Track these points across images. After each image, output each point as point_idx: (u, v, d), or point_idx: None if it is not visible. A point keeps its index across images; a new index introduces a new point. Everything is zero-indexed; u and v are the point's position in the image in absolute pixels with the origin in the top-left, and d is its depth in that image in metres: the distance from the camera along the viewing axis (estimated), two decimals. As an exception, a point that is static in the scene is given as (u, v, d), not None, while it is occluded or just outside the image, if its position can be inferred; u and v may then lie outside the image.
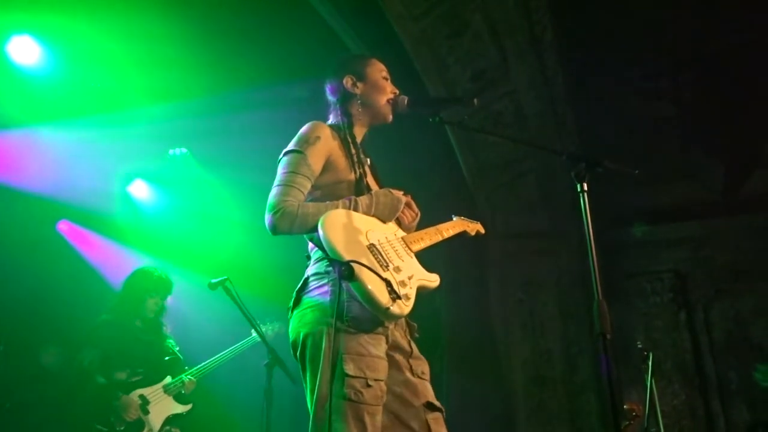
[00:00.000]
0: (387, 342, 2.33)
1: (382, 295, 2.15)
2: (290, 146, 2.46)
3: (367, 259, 2.21)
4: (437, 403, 2.36)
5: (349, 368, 2.17)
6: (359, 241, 2.27)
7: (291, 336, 2.37)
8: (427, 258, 2.51)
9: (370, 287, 2.14)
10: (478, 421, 6.15)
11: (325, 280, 2.29)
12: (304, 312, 2.32)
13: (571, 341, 6.43)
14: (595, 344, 6.03)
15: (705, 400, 6.26)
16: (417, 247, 2.48)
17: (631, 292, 6.65)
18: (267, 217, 2.32)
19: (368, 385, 2.18)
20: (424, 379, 2.41)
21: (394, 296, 2.17)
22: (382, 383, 2.24)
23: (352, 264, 2.13)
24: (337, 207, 2.34)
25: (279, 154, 2.48)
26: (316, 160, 2.42)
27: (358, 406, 2.15)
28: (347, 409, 2.14)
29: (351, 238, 2.25)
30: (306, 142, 2.44)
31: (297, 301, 2.37)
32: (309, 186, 2.40)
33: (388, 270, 2.25)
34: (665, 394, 6.06)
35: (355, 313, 2.22)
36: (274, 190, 2.37)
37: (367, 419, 2.15)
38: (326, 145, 2.46)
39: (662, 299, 6.61)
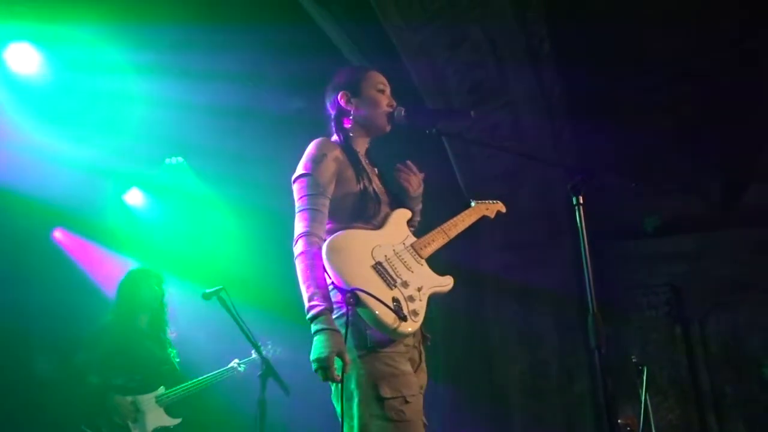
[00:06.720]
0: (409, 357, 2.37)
1: (388, 317, 2.18)
2: (299, 170, 2.48)
3: (373, 280, 2.25)
4: (424, 419, 2.37)
5: (386, 391, 2.20)
6: (364, 262, 2.30)
7: None
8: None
9: (376, 312, 2.17)
10: (474, 434, 6.11)
11: (343, 310, 2.28)
12: None
13: (568, 353, 6.40)
14: (591, 358, 6.01)
15: (701, 414, 6.24)
16: (427, 252, 2.52)
17: (627, 305, 6.63)
18: (293, 245, 2.36)
19: (407, 402, 2.21)
20: (420, 393, 2.41)
21: (402, 316, 2.20)
22: (418, 397, 2.29)
23: (356, 292, 2.16)
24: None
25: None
26: (326, 176, 2.45)
27: (403, 424, 2.19)
28: (393, 431, 2.17)
29: (355, 262, 2.29)
30: (312, 161, 2.47)
31: None
32: (328, 203, 2.44)
33: (395, 287, 2.29)
34: (660, 408, 6.04)
35: (377, 337, 2.25)
36: (297, 217, 2.41)
37: None
38: (333, 161, 2.49)
39: (658, 313, 6.59)
